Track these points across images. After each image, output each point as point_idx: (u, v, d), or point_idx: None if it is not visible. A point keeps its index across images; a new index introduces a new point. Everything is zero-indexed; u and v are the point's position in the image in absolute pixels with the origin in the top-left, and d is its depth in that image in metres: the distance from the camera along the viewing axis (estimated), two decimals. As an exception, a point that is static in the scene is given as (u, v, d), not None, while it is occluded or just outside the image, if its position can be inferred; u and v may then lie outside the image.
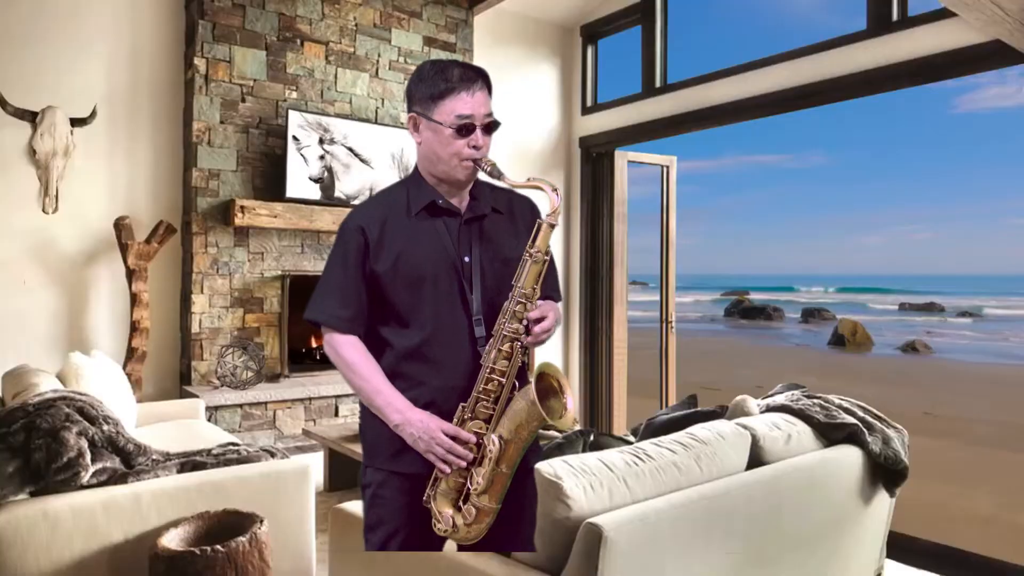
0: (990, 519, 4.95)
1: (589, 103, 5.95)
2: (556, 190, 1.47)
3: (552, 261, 1.55)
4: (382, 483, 1.53)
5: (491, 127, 1.50)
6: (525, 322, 1.43)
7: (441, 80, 1.46)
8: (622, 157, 5.73)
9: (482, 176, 1.54)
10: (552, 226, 1.45)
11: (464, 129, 1.46)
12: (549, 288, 1.57)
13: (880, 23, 3.89)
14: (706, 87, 4.86)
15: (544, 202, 1.52)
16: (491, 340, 1.44)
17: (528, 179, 1.49)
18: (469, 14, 5.47)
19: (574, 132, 6.01)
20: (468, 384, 1.45)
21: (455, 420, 1.44)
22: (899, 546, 3.14)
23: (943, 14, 3.55)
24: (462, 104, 1.46)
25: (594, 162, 5.87)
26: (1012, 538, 4.47)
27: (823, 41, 4.19)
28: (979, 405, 10.56)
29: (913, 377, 13.95)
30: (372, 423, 1.54)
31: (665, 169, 5.71)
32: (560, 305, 1.65)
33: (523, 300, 1.44)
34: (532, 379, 1.39)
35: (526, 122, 5.77)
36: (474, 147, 1.47)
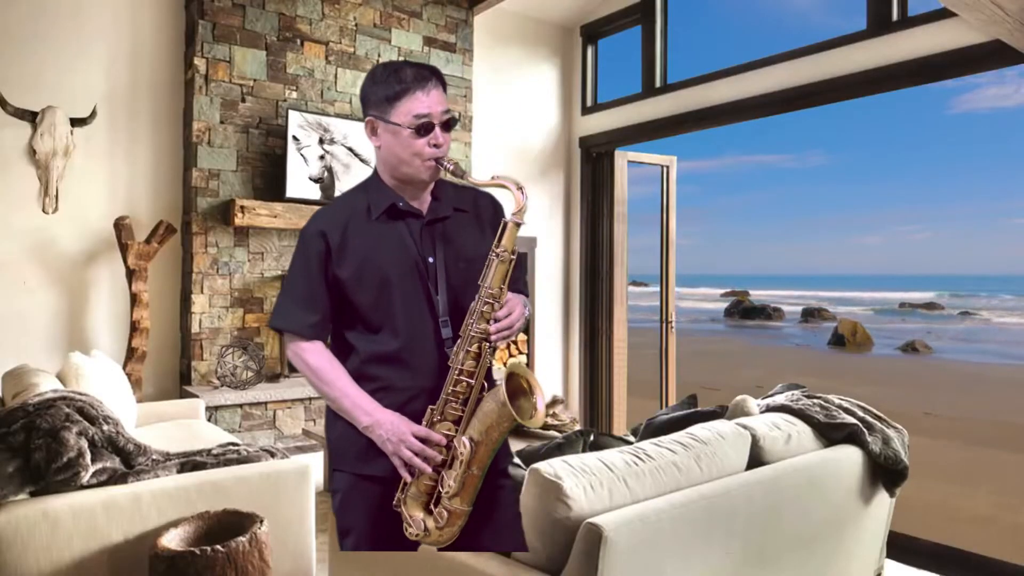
0: (990, 519, 4.95)
1: (589, 103, 5.94)
2: (522, 188, 1.45)
3: (519, 257, 1.52)
4: (351, 488, 1.50)
5: (450, 124, 1.49)
6: (493, 322, 1.41)
7: (395, 81, 1.45)
8: (622, 157, 5.73)
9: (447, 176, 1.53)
10: (518, 224, 1.43)
11: (423, 128, 1.45)
12: (517, 282, 1.54)
13: (880, 23, 3.90)
14: (706, 87, 4.86)
15: (510, 201, 1.49)
16: (459, 341, 1.42)
17: (492, 177, 1.47)
18: (469, 14, 5.47)
19: (574, 132, 6.01)
20: (436, 386, 1.43)
21: (424, 422, 1.42)
22: (899, 546, 3.14)
23: (943, 14, 3.55)
24: (418, 103, 1.44)
25: (594, 162, 5.87)
26: (1012, 538, 4.47)
27: (823, 41, 4.18)
28: (979, 405, 10.55)
29: (913, 377, 13.94)
30: (337, 425, 1.52)
31: (665, 169, 5.71)
32: (524, 298, 1.58)
33: (490, 300, 1.42)
34: (502, 380, 1.36)
35: (526, 122, 5.77)
36: (435, 145, 1.46)
